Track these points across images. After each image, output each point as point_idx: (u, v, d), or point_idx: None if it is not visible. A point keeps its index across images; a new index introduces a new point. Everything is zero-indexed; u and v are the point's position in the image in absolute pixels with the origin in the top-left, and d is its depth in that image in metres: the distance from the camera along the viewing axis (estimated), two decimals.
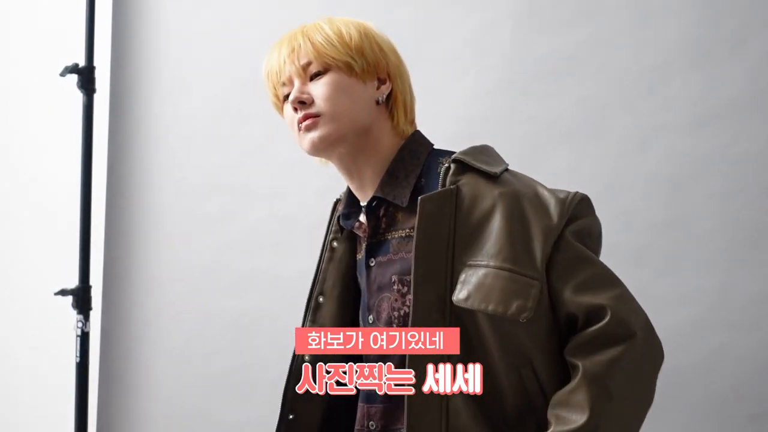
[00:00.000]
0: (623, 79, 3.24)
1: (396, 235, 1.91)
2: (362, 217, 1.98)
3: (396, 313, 1.88)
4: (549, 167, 3.18)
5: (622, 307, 1.75)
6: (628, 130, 3.23)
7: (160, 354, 3.69)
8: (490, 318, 1.75)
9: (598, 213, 1.93)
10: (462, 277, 1.77)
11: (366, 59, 1.91)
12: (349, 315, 2.02)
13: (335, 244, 2.02)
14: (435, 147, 1.99)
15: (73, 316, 3.02)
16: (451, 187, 1.82)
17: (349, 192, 2.03)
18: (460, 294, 1.76)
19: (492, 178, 1.82)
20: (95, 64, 3.08)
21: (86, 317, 3.02)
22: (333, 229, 2.04)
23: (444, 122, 3.35)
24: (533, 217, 1.78)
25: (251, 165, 3.63)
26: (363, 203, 1.98)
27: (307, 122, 1.90)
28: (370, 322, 1.94)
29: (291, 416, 2.02)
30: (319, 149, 1.91)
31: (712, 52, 3.15)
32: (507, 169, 1.90)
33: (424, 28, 3.44)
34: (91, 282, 3.07)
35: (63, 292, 3.02)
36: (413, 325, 1.78)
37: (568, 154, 3.26)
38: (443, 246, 1.79)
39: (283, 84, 1.96)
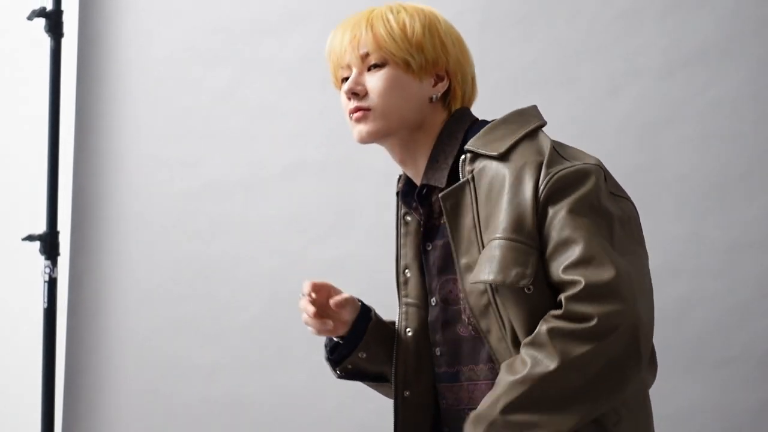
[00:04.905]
0: (595, 25, 3.23)
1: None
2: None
3: (452, 296, 1.91)
4: None
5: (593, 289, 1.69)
6: (600, 76, 3.23)
7: (130, 299, 3.68)
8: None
9: None
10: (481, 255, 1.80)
11: (425, 56, 1.91)
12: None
13: (408, 218, 2.03)
14: (480, 119, 1.98)
15: (41, 261, 3.00)
16: (468, 177, 1.84)
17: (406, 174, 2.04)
18: (477, 273, 1.78)
19: (499, 158, 1.81)
20: (63, 7, 3.03)
21: (54, 263, 3.00)
22: (402, 203, 2.04)
23: None
24: (528, 188, 1.76)
25: (220, 110, 3.61)
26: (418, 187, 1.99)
27: (357, 114, 1.91)
28: (433, 304, 1.97)
29: (407, 393, 2.02)
30: (366, 141, 1.94)
31: None
32: (529, 134, 1.86)
33: None
34: (59, 227, 3.04)
35: (30, 238, 3.00)
36: (471, 310, 1.82)
37: (539, 100, 3.23)
38: (473, 233, 1.82)
39: (342, 68, 1.96)
